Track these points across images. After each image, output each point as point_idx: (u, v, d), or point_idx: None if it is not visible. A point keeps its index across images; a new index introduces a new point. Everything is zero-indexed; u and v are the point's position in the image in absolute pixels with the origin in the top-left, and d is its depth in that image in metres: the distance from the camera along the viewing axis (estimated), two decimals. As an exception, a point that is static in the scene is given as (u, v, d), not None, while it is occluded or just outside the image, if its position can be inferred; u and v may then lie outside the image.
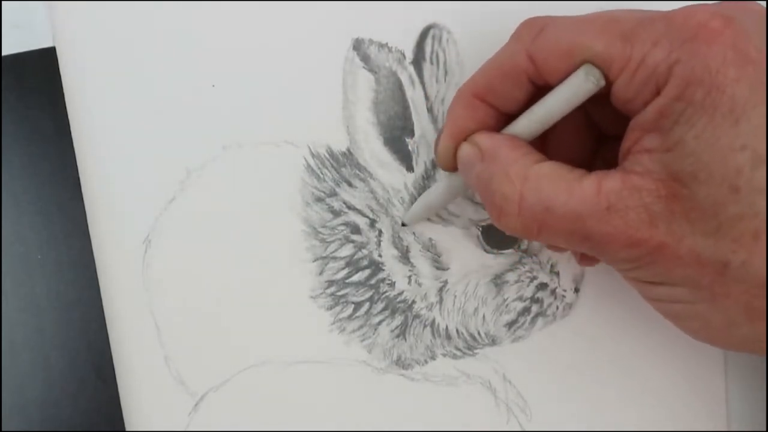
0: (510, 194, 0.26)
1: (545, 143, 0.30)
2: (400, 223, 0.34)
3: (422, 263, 0.34)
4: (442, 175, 0.32)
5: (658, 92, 0.24)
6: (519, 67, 0.28)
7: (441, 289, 0.34)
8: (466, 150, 0.29)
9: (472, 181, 0.29)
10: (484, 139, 0.28)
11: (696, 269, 0.24)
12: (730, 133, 0.23)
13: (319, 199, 0.35)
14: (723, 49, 0.23)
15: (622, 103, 0.26)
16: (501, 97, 0.28)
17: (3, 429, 0.33)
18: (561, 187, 0.26)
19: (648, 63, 0.24)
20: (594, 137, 0.31)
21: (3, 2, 0.34)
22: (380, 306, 0.34)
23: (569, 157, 0.28)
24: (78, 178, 0.34)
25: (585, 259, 0.32)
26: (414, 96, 0.35)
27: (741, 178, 0.23)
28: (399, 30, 0.35)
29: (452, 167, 0.30)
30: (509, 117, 0.29)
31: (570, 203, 0.25)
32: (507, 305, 0.35)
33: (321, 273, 0.34)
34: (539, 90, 0.28)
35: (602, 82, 0.26)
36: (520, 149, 0.27)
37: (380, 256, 0.34)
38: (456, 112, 0.29)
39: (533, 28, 0.28)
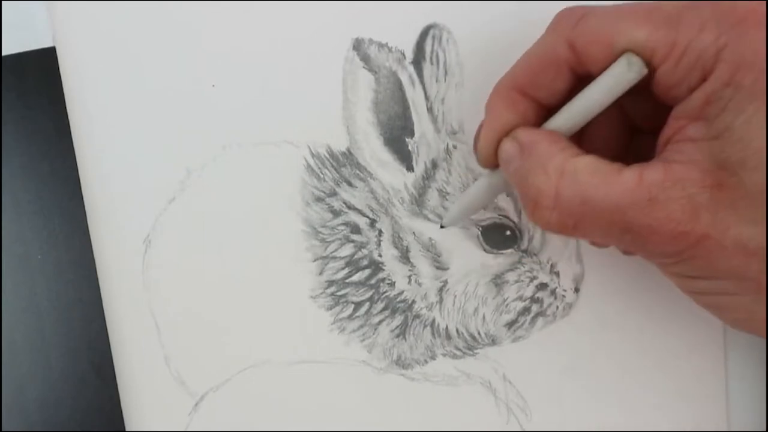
0: (546, 188, 0.26)
1: (580, 138, 0.30)
2: (438, 225, 0.34)
3: (422, 263, 0.34)
4: (482, 174, 0.31)
5: (704, 78, 0.24)
6: (559, 57, 0.27)
7: (441, 289, 0.34)
8: (506, 146, 0.28)
9: (512, 177, 0.28)
10: (524, 134, 0.28)
11: (742, 260, 0.24)
12: None
13: (319, 199, 0.35)
14: None
15: (666, 91, 0.25)
16: (542, 89, 0.28)
17: (3, 429, 0.33)
18: (600, 179, 0.25)
19: (694, 48, 0.24)
20: (627, 131, 0.31)
21: (3, 2, 0.34)
22: (380, 306, 0.34)
23: (603, 153, 0.27)
24: (78, 178, 0.34)
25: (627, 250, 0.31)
26: (414, 96, 0.35)
27: None
28: (399, 30, 0.35)
29: (493, 164, 0.30)
30: (550, 110, 0.28)
31: (610, 195, 0.25)
32: (507, 305, 0.35)
33: (321, 273, 0.34)
34: (580, 80, 0.27)
35: (645, 71, 0.25)
36: (558, 144, 0.27)
37: (380, 255, 0.34)
38: (495, 107, 0.29)
39: (572, 17, 0.27)
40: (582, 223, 0.26)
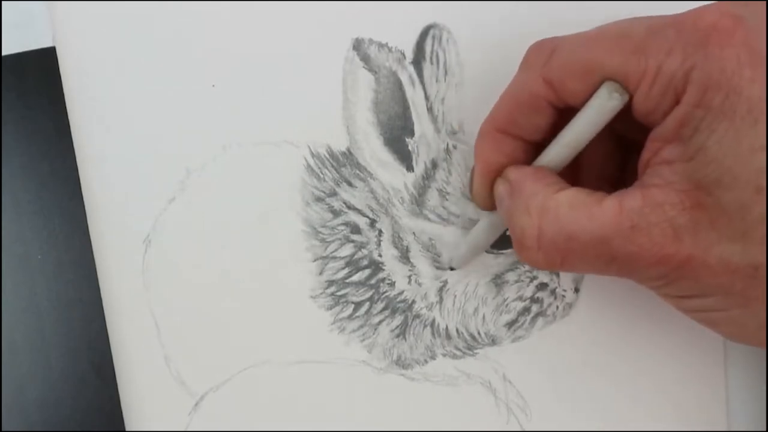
0: (528, 228, 0.26)
1: (577, 165, 0.30)
2: (447, 267, 0.34)
3: (422, 263, 0.34)
4: (482, 215, 0.32)
5: (677, 101, 0.24)
6: (537, 95, 0.27)
7: (441, 289, 0.34)
8: (500, 187, 0.29)
9: (504, 217, 0.29)
10: (513, 173, 0.28)
11: (727, 276, 0.24)
12: (750, 134, 0.23)
13: (319, 199, 0.35)
14: (736, 50, 0.23)
15: (644, 116, 0.26)
16: (524, 128, 0.28)
17: (3, 429, 0.33)
18: (582, 213, 0.26)
19: (664, 73, 0.24)
20: (621, 149, 0.31)
21: (3, 2, 0.34)
22: (380, 306, 0.34)
23: (600, 174, 0.27)
24: (78, 178, 0.34)
25: None
26: (414, 96, 0.35)
27: (765, 177, 0.23)
28: (399, 30, 0.35)
29: (490, 206, 0.30)
30: (537, 146, 0.29)
31: (593, 228, 0.25)
32: (507, 305, 0.35)
33: (321, 273, 0.34)
34: (561, 113, 0.28)
35: (626, 98, 0.25)
36: (543, 180, 0.27)
37: (380, 255, 0.34)
38: (483, 150, 0.29)
39: (542, 51, 0.27)
40: (568, 258, 0.26)
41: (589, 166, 0.30)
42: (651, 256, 0.25)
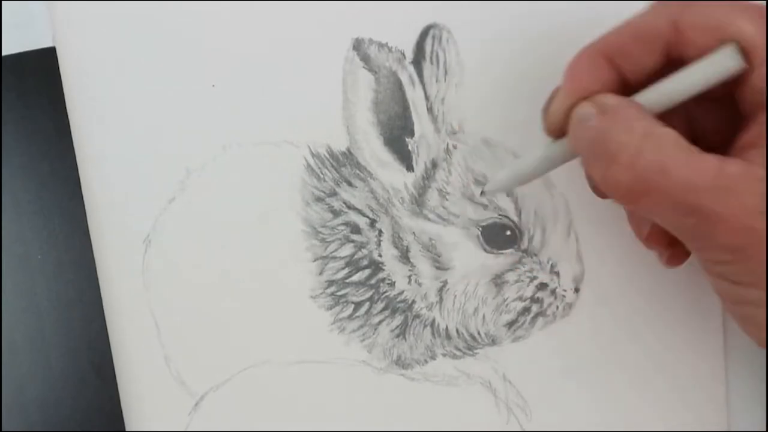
0: (628, 143, 0.25)
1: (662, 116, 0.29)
2: (479, 192, 0.33)
3: (422, 263, 0.34)
4: (540, 145, 0.30)
5: None
6: (660, 33, 0.27)
7: (441, 289, 0.34)
8: (586, 106, 0.27)
9: (583, 139, 0.27)
10: (609, 98, 0.27)
11: None
12: None
13: (319, 199, 0.35)
14: None
15: (756, 93, 0.25)
16: (630, 61, 0.27)
17: (3, 429, 0.33)
18: (683, 154, 0.25)
19: None
20: (710, 115, 0.30)
21: (3, 2, 0.34)
22: (380, 306, 0.34)
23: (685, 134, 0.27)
24: (78, 178, 0.34)
25: (673, 259, 0.30)
26: (414, 96, 0.35)
27: None
28: (399, 30, 0.35)
29: (559, 132, 0.28)
30: (629, 88, 0.28)
31: (689, 173, 0.24)
32: (507, 305, 0.35)
33: (321, 273, 0.34)
34: (669, 63, 0.27)
35: (745, 65, 0.25)
36: (645, 114, 0.26)
37: (380, 255, 0.34)
38: (579, 69, 0.28)
39: None
40: (652, 192, 0.25)
41: (677, 121, 0.29)
42: (736, 222, 0.24)
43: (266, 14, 0.35)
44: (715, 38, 0.26)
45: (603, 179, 0.26)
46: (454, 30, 0.35)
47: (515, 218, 0.34)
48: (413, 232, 0.34)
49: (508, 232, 0.34)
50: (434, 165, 0.34)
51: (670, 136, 0.25)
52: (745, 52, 0.25)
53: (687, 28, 0.26)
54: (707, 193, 0.24)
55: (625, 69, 0.28)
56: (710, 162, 0.25)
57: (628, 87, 0.28)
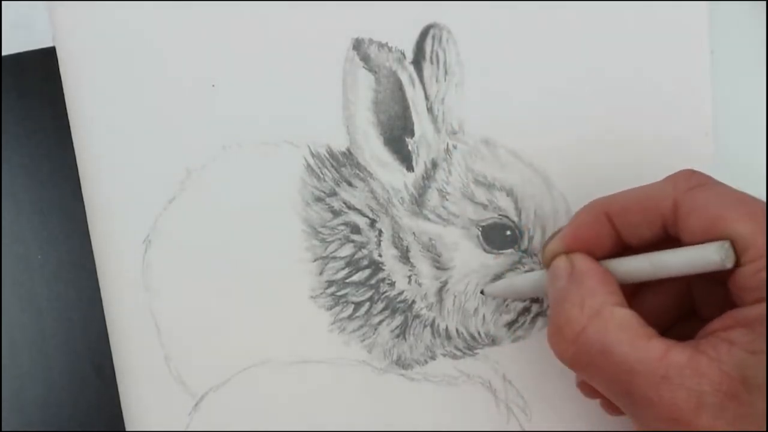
0: (575, 322, 0.26)
1: (637, 288, 0.30)
2: (479, 291, 0.34)
3: (422, 263, 0.34)
4: (538, 268, 0.33)
5: None
6: (660, 209, 0.27)
7: (441, 289, 0.34)
8: (561, 263, 0.29)
9: (551, 294, 0.29)
10: (581, 261, 0.28)
11: None
12: None
13: (319, 199, 0.35)
14: None
15: (737, 289, 0.26)
16: (629, 226, 0.28)
17: (3, 429, 0.33)
18: (627, 337, 0.25)
19: None
20: (681, 309, 0.31)
21: (3, 2, 0.34)
22: (380, 306, 0.34)
23: (648, 314, 0.27)
24: (78, 178, 0.34)
25: (609, 408, 0.31)
26: (414, 96, 0.35)
27: None
28: (399, 30, 0.35)
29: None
30: (625, 249, 0.29)
31: (629, 356, 0.25)
32: (507, 305, 0.35)
33: (321, 273, 0.34)
34: (665, 238, 0.28)
35: (732, 265, 0.25)
36: (607, 286, 0.27)
37: (380, 256, 0.34)
38: (582, 219, 0.29)
39: (690, 180, 0.27)
40: (592, 367, 0.26)
41: (644, 298, 0.30)
42: (664, 412, 0.24)
43: (266, 14, 0.35)
44: (709, 229, 0.26)
45: (550, 344, 0.28)
46: (454, 30, 0.35)
47: (515, 218, 0.34)
48: (413, 232, 0.34)
49: (508, 232, 0.34)
50: (434, 165, 0.34)
51: (617, 317, 0.26)
52: (736, 251, 0.25)
53: (686, 212, 0.27)
54: (643, 379, 0.25)
55: (622, 231, 0.29)
56: (655, 348, 0.25)
57: (626, 247, 0.29)
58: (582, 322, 0.26)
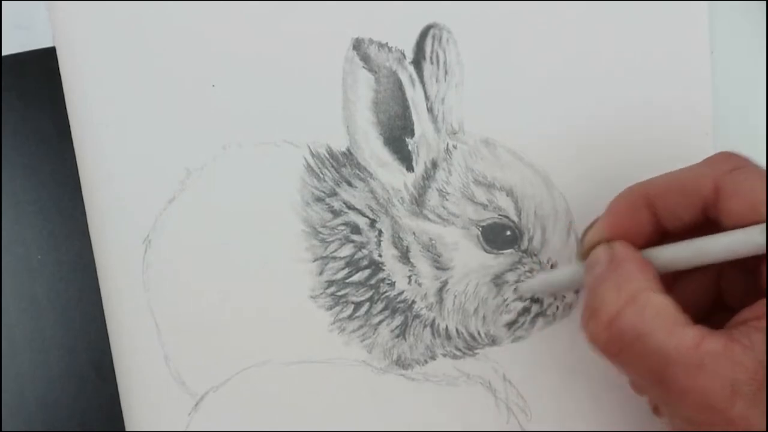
0: (611, 305, 0.26)
1: (671, 280, 0.30)
2: (513, 288, 0.34)
3: (422, 263, 0.34)
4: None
5: None
6: (700, 192, 0.27)
7: (441, 289, 0.34)
8: (600, 251, 0.28)
9: (588, 280, 0.28)
10: (620, 248, 0.28)
11: None
12: None
13: (319, 199, 0.35)
14: None
15: None
16: (668, 211, 0.28)
17: (3, 429, 0.33)
18: (663, 323, 0.25)
19: None
20: (712, 301, 0.30)
21: (3, 2, 0.34)
22: (380, 306, 0.34)
23: (681, 303, 0.27)
24: (78, 178, 0.34)
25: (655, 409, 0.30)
26: (414, 96, 0.35)
27: None
28: (399, 30, 0.35)
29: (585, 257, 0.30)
30: (664, 235, 0.28)
31: (665, 343, 0.25)
32: (507, 305, 0.35)
33: (321, 273, 0.34)
34: (705, 222, 0.27)
35: None
36: (645, 273, 0.27)
37: (380, 256, 0.34)
38: (619, 207, 0.29)
39: (730, 162, 0.27)
40: (625, 354, 0.26)
41: (677, 287, 0.30)
42: (699, 400, 0.24)
43: (266, 14, 0.35)
44: (751, 214, 0.26)
45: (584, 327, 0.27)
46: (454, 30, 0.35)
47: (515, 218, 0.34)
48: (413, 233, 0.34)
49: (508, 232, 0.34)
50: (434, 165, 0.34)
51: (655, 303, 0.26)
52: None
53: (726, 195, 0.26)
54: (678, 367, 0.25)
55: (661, 216, 0.28)
56: (690, 335, 0.25)
57: (665, 234, 0.28)
58: (618, 305, 0.26)
